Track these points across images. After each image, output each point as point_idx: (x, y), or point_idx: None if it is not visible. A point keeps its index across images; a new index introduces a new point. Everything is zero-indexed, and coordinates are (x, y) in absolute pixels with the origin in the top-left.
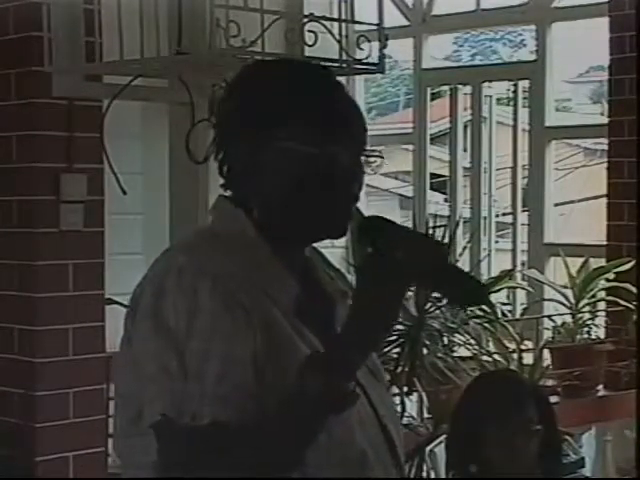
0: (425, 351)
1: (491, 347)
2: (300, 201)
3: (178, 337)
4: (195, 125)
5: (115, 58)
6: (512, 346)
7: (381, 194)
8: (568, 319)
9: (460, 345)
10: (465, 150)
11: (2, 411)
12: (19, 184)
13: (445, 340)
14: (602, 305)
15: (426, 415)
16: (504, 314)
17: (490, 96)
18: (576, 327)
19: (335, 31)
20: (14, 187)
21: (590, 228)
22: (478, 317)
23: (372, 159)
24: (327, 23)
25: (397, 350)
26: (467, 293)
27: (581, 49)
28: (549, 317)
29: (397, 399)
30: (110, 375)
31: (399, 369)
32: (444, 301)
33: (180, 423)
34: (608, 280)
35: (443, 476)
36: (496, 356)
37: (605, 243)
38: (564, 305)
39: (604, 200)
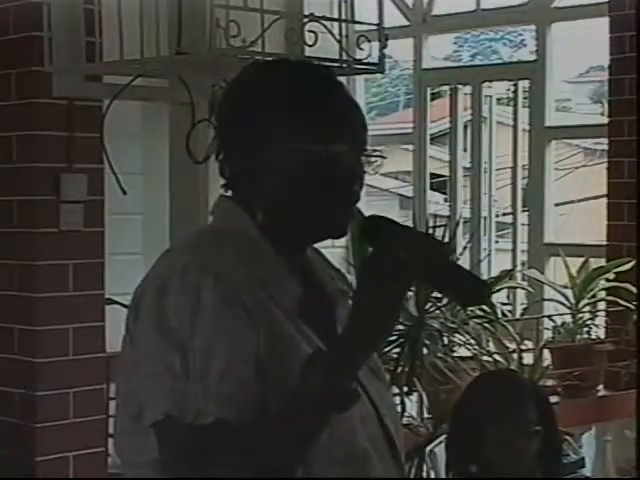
0: (425, 351)
1: (491, 347)
2: (301, 201)
3: (181, 337)
4: (195, 125)
5: (115, 58)
6: (512, 346)
7: (381, 194)
8: (568, 319)
9: (460, 345)
10: (465, 150)
11: (2, 411)
12: (19, 184)
13: (445, 340)
14: (602, 305)
15: (426, 415)
16: (504, 314)
17: (490, 96)
18: (576, 327)
19: (335, 31)
20: (14, 187)
21: (590, 228)
22: (478, 317)
23: (372, 159)
24: (327, 23)
25: (397, 350)
26: (469, 291)
27: (581, 49)
28: (549, 317)
29: (397, 399)
30: (110, 375)
31: (399, 369)
32: (445, 300)
33: (183, 422)
34: (608, 280)
35: (443, 476)
36: (496, 356)
37: (605, 243)
38: (564, 305)
39: (604, 200)
